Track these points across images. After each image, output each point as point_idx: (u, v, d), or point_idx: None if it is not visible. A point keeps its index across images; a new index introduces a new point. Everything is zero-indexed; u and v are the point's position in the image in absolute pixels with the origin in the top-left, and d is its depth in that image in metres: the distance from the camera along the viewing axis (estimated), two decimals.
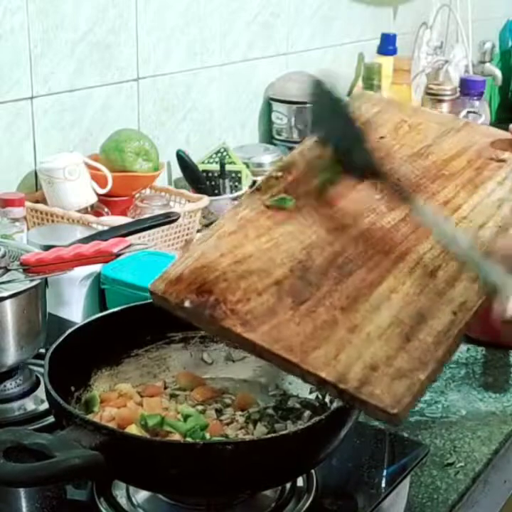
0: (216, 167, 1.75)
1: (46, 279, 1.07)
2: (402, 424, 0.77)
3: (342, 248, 0.86)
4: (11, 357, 1.05)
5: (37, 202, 1.50)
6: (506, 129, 1.00)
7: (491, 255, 0.82)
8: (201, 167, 1.75)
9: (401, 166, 0.94)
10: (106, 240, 1.05)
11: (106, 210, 1.55)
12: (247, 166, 1.81)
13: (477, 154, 0.95)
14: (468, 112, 2.28)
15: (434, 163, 0.95)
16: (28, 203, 1.44)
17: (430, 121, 1.00)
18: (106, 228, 1.28)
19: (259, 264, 0.85)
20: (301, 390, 0.97)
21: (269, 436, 0.86)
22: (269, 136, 2.06)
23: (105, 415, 0.89)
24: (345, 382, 0.76)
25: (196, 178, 1.73)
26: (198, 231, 1.56)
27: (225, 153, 1.79)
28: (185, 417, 0.89)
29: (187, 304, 0.84)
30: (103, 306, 1.30)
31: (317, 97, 0.93)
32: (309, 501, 0.89)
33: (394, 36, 2.31)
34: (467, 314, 0.80)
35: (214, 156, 1.79)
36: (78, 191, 1.50)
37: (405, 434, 1.04)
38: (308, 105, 0.94)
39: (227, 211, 0.93)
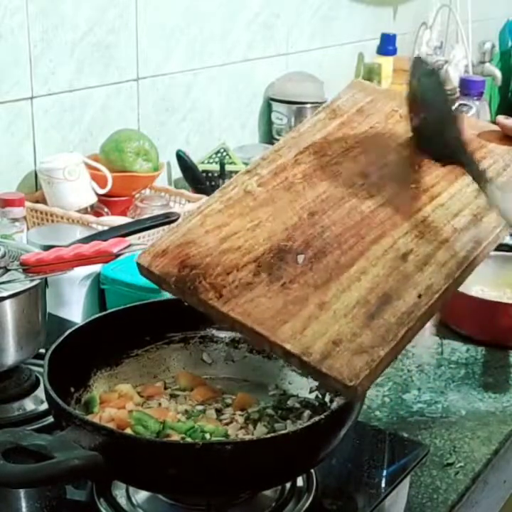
0: (216, 167, 1.75)
1: (46, 279, 1.07)
2: (360, 397, 0.81)
3: (321, 230, 0.89)
4: (11, 357, 1.05)
5: (37, 202, 1.51)
6: None
7: None
8: (201, 167, 1.75)
9: (388, 154, 0.96)
10: (106, 240, 1.05)
11: (106, 210, 1.55)
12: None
13: None
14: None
15: None
16: (28, 203, 1.44)
17: None
18: (106, 228, 1.28)
19: (242, 242, 0.89)
20: (300, 389, 0.97)
21: (268, 436, 0.85)
22: (269, 136, 2.06)
23: (105, 416, 0.89)
24: (308, 355, 0.79)
25: (196, 178, 1.73)
26: None
27: (224, 154, 1.79)
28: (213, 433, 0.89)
29: (170, 276, 0.88)
30: (103, 306, 1.30)
31: (421, 75, 0.96)
32: (309, 501, 0.89)
33: (394, 36, 2.31)
34: (432, 297, 0.82)
35: (214, 156, 1.79)
36: (78, 191, 1.50)
37: (405, 434, 1.04)
38: (411, 82, 0.97)
39: (216, 191, 0.96)
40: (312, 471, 0.91)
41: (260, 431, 0.90)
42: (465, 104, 2.29)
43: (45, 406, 1.01)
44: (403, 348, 0.82)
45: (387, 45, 2.31)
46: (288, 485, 0.90)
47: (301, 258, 0.86)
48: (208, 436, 0.87)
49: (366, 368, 0.77)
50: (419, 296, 0.82)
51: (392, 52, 2.31)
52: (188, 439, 0.86)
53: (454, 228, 0.88)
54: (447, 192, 0.92)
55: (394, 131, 0.99)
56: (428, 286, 0.83)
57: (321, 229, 0.89)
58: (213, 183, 1.74)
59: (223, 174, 1.74)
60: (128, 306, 1.01)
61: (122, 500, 0.88)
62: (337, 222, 0.89)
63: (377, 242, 0.87)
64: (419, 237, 0.87)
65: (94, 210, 1.53)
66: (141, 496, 0.89)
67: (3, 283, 1.03)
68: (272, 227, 0.90)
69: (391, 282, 0.83)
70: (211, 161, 1.78)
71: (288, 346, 0.80)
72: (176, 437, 0.86)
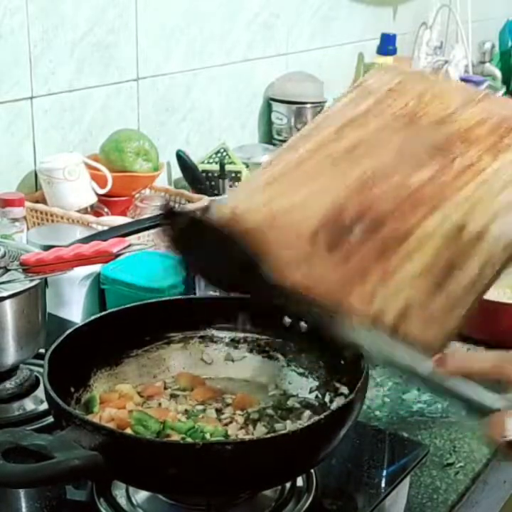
0: (216, 167, 1.75)
1: (46, 279, 1.07)
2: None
3: (373, 202, 0.88)
4: (11, 357, 1.05)
5: (37, 202, 1.50)
6: None
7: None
8: (201, 167, 1.75)
9: (424, 131, 0.96)
10: (106, 240, 1.05)
11: (106, 210, 1.55)
12: (247, 166, 1.81)
13: (498, 124, 0.97)
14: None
15: (458, 130, 0.96)
16: (28, 203, 1.44)
17: (452, 92, 1.01)
18: (106, 228, 1.28)
19: (299, 213, 0.88)
20: (300, 389, 0.97)
21: (268, 436, 0.86)
22: (269, 136, 2.06)
23: (105, 416, 0.89)
24: (382, 323, 0.79)
25: (196, 178, 1.73)
26: None
27: (224, 154, 1.79)
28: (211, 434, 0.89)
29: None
30: (103, 306, 1.30)
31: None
32: (309, 501, 0.89)
33: (394, 36, 2.32)
34: (494, 268, 0.82)
35: (214, 156, 1.79)
36: (78, 191, 1.50)
37: (405, 434, 1.04)
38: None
39: (261, 166, 0.95)
40: (312, 471, 0.91)
41: (260, 431, 0.90)
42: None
43: (45, 406, 1.01)
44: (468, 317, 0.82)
45: (387, 45, 2.31)
46: (288, 485, 0.90)
47: (356, 229, 0.86)
48: (208, 436, 0.87)
49: (441, 335, 0.78)
50: (481, 267, 0.82)
51: (392, 52, 2.31)
52: (188, 439, 0.86)
53: (501, 203, 0.87)
54: (491, 168, 0.91)
55: (428, 109, 0.98)
56: (487, 260, 0.83)
57: (372, 200, 0.88)
58: (213, 183, 1.74)
59: (223, 174, 1.73)
60: (128, 306, 1.01)
61: (122, 500, 0.88)
62: (387, 195, 0.89)
63: (429, 217, 0.86)
64: (469, 213, 0.86)
65: (94, 210, 1.53)
66: (141, 495, 0.89)
67: (3, 283, 1.03)
68: (322, 200, 0.89)
69: (451, 253, 0.83)
70: (211, 161, 1.78)
71: (360, 314, 0.80)
72: (176, 437, 0.86)
